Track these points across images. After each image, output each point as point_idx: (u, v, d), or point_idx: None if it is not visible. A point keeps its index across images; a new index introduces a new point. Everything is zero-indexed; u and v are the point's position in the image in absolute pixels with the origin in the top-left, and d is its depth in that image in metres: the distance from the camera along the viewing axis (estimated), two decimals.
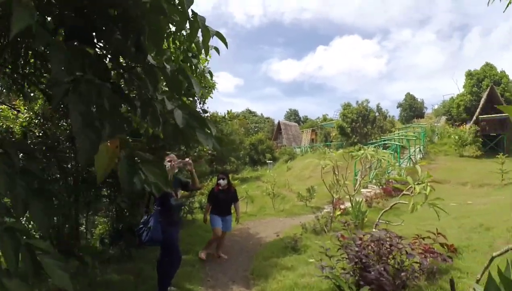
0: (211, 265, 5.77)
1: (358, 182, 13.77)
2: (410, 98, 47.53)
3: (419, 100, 47.82)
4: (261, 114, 76.73)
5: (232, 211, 6.42)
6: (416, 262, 3.51)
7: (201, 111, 5.16)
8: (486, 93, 23.47)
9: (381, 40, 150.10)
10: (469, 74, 28.14)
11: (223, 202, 6.16)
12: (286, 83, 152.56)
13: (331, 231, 7.53)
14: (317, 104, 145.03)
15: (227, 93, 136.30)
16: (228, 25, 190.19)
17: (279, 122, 50.63)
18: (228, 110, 6.24)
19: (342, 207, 9.73)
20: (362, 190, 17.22)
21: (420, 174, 5.04)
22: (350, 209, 9.34)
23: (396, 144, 19.87)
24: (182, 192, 4.52)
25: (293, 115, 71.80)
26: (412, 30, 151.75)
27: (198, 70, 2.80)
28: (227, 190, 6.24)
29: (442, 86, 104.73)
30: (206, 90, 5.73)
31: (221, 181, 6.20)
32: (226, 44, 2.14)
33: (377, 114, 26.56)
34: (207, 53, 2.11)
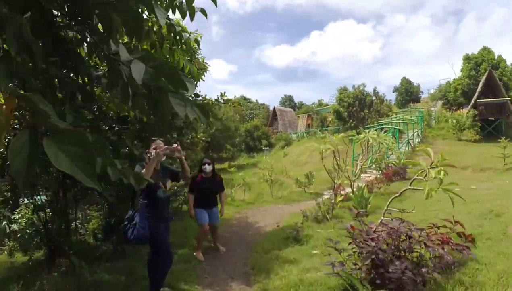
0: (209, 260, 5.40)
1: (358, 166, 13.50)
2: (406, 82, 47.03)
3: (415, 84, 47.36)
4: (256, 100, 76.05)
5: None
6: (438, 256, 3.15)
7: (192, 96, 4.73)
8: (484, 77, 23.21)
9: (375, 25, 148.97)
10: (467, 58, 27.86)
11: (207, 191, 5.47)
12: (280, 69, 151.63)
13: (333, 218, 7.20)
14: (312, 90, 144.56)
15: (222, 80, 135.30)
16: (220, 11, 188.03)
17: (274, 108, 50.14)
18: (221, 92, 5.75)
19: (342, 192, 9.39)
20: (361, 174, 16.96)
21: (432, 157, 4.67)
22: (351, 194, 9.02)
23: (394, 128, 19.61)
24: (172, 182, 4.07)
25: (288, 101, 71.23)
26: (406, 14, 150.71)
27: (183, 39, 2.32)
28: (212, 178, 5.53)
29: (437, 71, 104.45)
30: (198, 72, 5.27)
31: (206, 167, 5.39)
32: (215, 2, 1.78)
33: (373, 98, 26.14)
34: (192, 16, 1.76)
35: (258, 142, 39.00)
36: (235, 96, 62.05)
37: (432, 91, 47.43)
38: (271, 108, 56.31)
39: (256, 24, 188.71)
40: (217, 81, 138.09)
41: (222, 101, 5.69)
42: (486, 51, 27.05)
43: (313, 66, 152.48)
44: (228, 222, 8.08)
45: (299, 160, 25.95)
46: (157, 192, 3.60)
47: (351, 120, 24.90)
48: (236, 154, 37.43)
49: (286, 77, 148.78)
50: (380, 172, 13.01)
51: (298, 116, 48.26)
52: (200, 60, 5.49)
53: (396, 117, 24.27)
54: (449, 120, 23.65)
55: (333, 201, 7.70)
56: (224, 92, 5.77)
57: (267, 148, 36.95)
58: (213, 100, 5.98)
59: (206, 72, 5.37)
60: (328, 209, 7.43)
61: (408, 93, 46.06)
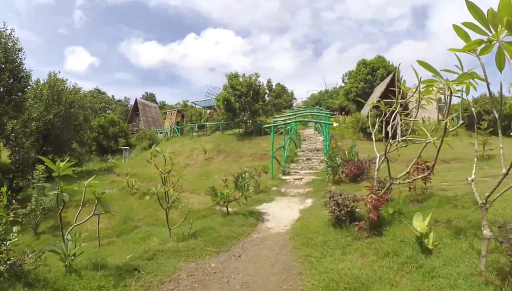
0: None
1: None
2: (280, 87, 45.78)
3: (289, 90, 46.54)
4: (112, 96, 65.05)
5: None
6: None
7: None
8: (389, 78, 22.97)
9: (250, 41, 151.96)
10: (363, 63, 28.37)
11: None
12: (144, 69, 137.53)
13: None
14: (173, 95, 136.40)
15: (79, 74, 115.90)
16: None
17: (136, 101, 41.75)
18: None
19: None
20: (284, 177, 12.19)
21: None
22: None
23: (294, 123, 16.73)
24: None
25: (149, 99, 62.80)
26: (271, 36, 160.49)
27: None
28: None
29: (295, 88, 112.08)
30: None
31: None
32: None
33: (267, 91, 22.04)
34: None
35: (114, 142, 30.63)
36: (90, 91, 50.38)
37: (304, 99, 48.24)
38: (132, 103, 47.58)
39: (125, 18, 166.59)
40: (74, 74, 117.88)
41: None
42: (381, 58, 27.63)
43: (180, 70, 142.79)
44: None
45: (176, 162, 19.63)
46: None
47: (243, 113, 19.97)
48: (85, 156, 28.33)
49: (149, 79, 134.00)
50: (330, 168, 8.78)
51: (165, 112, 41.38)
52: None
53: (295, 113, 20.91)
54: (342, 120, 23.71)
55: None
56: None
57: (127, 148, 29.12)
58: None
59: None
60: None
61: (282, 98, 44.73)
